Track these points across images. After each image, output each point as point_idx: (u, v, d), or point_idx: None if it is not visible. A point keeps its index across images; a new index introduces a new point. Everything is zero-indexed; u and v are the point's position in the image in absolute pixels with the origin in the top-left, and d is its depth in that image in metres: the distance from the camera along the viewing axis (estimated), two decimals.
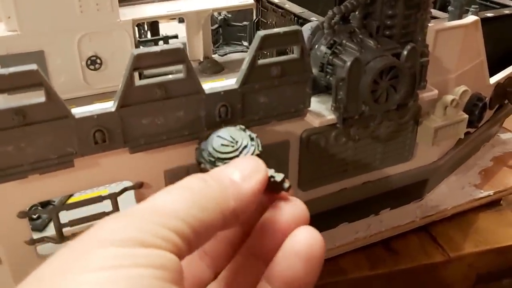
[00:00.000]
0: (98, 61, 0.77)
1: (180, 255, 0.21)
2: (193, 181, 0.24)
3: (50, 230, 0.46)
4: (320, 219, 0.56)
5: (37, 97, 0.37)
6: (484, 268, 0.60)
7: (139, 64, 0.38)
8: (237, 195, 0.24)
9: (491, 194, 0.65)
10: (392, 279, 0.57)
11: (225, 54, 0.91)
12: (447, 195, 0.64)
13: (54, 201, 0.52)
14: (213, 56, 0.89)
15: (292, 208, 0.27)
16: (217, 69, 0.85)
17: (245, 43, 0.92)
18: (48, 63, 0.75)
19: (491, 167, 0.70)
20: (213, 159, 0.38)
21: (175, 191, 0.23)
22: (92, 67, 0.77)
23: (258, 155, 0.34)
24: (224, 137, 0.38)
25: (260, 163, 0.27)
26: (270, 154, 0.48)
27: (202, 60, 0.87)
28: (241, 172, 0.26)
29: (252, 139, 0.38)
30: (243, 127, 0.40)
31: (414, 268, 0.57)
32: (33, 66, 0.35)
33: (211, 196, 0.23)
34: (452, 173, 0.68)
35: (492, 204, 0.65)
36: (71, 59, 0.76)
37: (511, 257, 0.61)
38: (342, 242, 0.57)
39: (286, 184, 0.28)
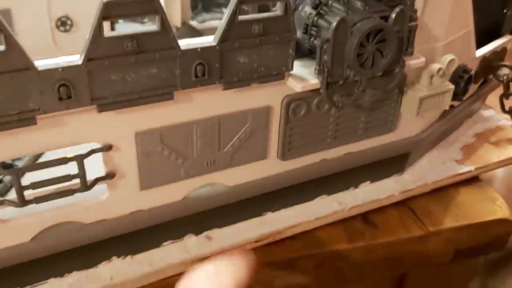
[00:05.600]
0: (69, 22, 0.72)
1: None
2: None
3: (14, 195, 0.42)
4: (298, 191, 0.55)
5: None
6: (463, 243, 0.59)
7: (108, 13, 0.35)
8: None
9: (472, 170, 0.64)
10: (370, 253, 0.56)
11: (204, 21, 0.87)
12: (428, 170, 0.63)
13: (17, 165, 0.49)
14: (191, 22, 0.85)
15: None
16: (195, 36, 0.81)
17: (225, 10, 0.89)
18: (15, 23, 0.70)
19: (473, 143, 0.69)
20: None
21: None
22: (62, 28, 0.72)
23: None
24: None
25: None
26: (251, 120, 0.46)
27: (179, 26, 0.83)
28: None
29: None
30: None
31: (393, 242, 0.56)
32: None
33: None
34: (434, 147, 0.66)
35: (473, 179, 0.64)
36: (40, 19, 0.71)
37: (490, 232, 0.60)
38: (320, 215, 0.55)
39: None
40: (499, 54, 0.68)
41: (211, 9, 0.90)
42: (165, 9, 0.86)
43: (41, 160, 0.48)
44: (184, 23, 0.84)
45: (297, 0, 0.47)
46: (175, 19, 0.84)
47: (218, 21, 0.89)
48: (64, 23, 0.73)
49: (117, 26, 0.75)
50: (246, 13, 0.46)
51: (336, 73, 0.45)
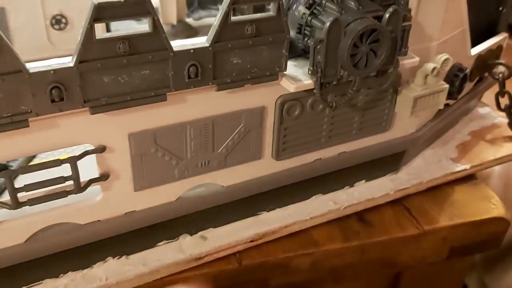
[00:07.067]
0: (64, 20, 0.72)
1: None
2: None
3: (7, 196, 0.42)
4: (293, 190, 0.55)
5: None
6: (458, 241, 0.59)
7: (100, 15, 0.35)
8: None
9: (468, 168, 0.64)
10: (365, 251, 0.56)
11: (200, 18, 0.87)
12: (423, 168, 0.63)
13: (11, 166, 0.49)
14: (187, 19, 0.85)
15: None
16: (191, 33, 0.81)
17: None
18: (10, 22, 0.70)
19: (468, 141, 0.69)
20: None
21: None
22: (57, 26, 0.72)
23: None
24: None
25: None
26: (245, 121, 0.46)
27: (175, 23, 0.83)
28: None
29: None
30: None
31: (388, 240, 0.56)
32: None
33: None
34: (429, 146, 0.66)
35: (468, 177, 0.64)
36: (35, 17, 0.71)
37: (485, 230, 0.60)
38: (315, 214, 0.55)
39: None
40: (495, 52, 0.67)
41: (207, 6, 0.90)
42: (160, 7, 0.86)
43: (34, 161, 0.48)
44: (180, 20, 0.84)
45: (291, 0, 0.47)
46: (171, 16, 0.84)
47: (214, 18, 0.89)
48: (58, 21, 0.72)
49: (113, 24, 0.75)
50: (243, 12, 0.46)
51: (330, 74, 0.45)
